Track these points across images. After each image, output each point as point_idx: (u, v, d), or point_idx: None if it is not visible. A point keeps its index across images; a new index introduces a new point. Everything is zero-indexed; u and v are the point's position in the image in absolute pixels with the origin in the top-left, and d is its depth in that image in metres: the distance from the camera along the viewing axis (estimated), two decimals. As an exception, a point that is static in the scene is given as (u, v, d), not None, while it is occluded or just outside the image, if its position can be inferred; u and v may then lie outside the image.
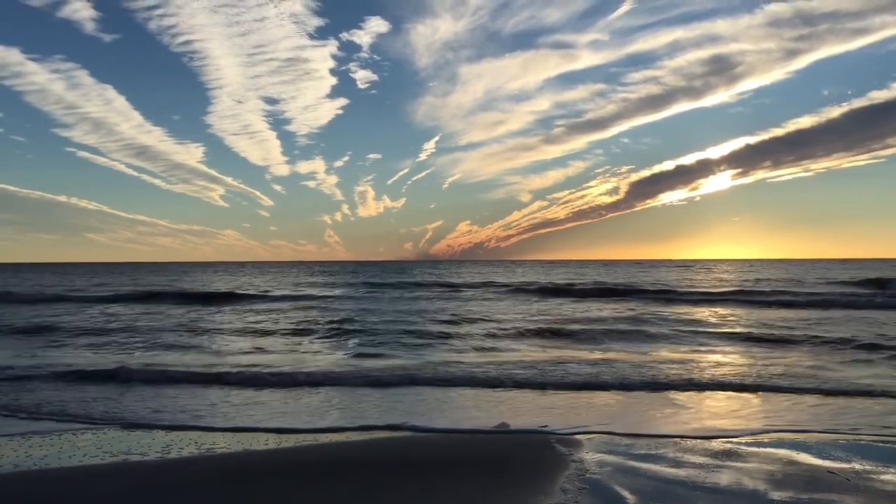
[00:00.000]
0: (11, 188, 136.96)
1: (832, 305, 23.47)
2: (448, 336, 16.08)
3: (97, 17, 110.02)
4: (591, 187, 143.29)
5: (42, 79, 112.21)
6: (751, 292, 30.06)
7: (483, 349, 13.98)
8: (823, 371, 10.62)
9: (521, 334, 16.41)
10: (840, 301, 24.48)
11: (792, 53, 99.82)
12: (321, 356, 13.19)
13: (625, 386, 9.49)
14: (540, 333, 16.49)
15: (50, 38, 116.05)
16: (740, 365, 11.46)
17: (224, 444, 6.50)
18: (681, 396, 8.91)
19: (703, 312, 22.25)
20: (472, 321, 19.66)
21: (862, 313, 20.92)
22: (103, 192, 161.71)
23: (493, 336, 16.12)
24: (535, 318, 20.68)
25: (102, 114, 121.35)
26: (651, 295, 29.96)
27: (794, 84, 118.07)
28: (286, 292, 35.77)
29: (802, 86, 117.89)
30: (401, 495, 4.90)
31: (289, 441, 6.64)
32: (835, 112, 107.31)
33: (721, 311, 22.88)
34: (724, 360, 12.16)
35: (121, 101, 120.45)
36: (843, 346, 13.52)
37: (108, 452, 6.16)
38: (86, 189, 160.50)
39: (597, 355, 12.75)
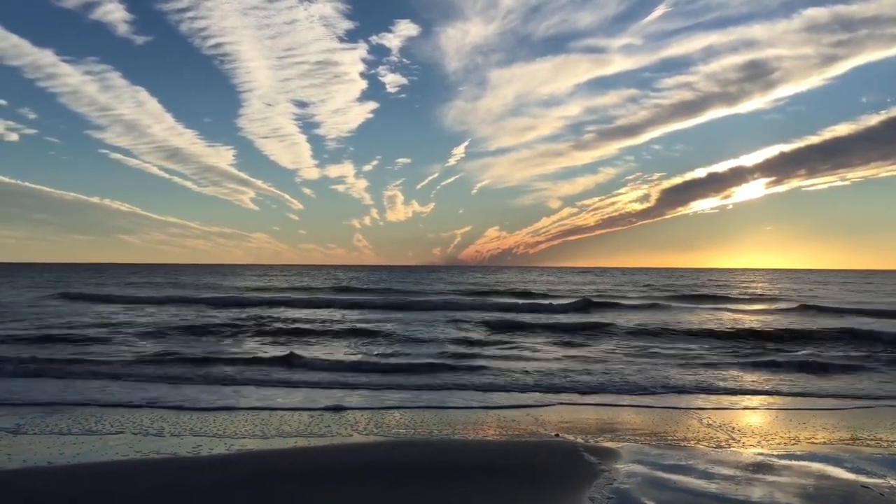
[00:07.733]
0: (47, 189, 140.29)
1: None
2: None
3: (130, 18, 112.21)
4: (621, 194, 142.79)
5: (76, 80, 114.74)
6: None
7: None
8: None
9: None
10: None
11: (830, 59, 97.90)
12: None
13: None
14: None
15: (83, 39, 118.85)
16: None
17: (253, 445, 6.58)
18: (712, 406, 8.81)
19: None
20: None
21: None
22: (135, 193, 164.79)
23: None
24: None
25: (135, 116, 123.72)
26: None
27: (832, 91, 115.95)
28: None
29: (840, 92, 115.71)
30: (426, 500, 4.91)
31: (317, 443, 6.71)
32: (873, 120, 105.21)
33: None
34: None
35: (153, 104, 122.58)
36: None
37: (138, 451, 6.26)
38: (118, 190, 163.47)
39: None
